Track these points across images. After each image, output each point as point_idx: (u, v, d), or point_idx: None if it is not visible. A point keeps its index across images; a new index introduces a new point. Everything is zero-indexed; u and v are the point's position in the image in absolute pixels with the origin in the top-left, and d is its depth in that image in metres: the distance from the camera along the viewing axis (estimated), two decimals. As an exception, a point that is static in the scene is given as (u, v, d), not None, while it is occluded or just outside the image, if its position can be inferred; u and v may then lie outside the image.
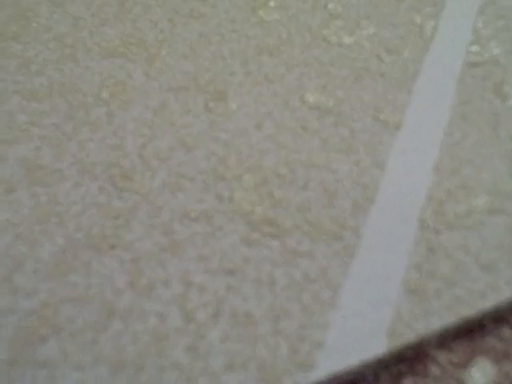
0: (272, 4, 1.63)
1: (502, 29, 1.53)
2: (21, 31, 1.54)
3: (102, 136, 1.27)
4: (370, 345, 0.95)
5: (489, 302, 0.99)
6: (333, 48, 1.48)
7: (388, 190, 1.17)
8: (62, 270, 1.04)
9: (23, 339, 0.96)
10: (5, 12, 1.61)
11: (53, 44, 1.50)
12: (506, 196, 1.16)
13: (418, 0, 1.63)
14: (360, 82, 1.40)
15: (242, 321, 0.98)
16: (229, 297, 1.01)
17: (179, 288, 1.02)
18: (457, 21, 1.56)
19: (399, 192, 1.16)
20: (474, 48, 1.47)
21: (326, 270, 1.04)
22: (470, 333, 1.02)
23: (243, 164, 1.21)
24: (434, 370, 0.97)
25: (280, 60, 1.45)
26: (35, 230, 1.10)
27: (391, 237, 1.09)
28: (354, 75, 1.41)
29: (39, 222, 1.11)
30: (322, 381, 0.90)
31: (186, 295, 1.01)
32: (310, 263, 1.05)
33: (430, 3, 1.62)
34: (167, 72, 1.42)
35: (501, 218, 1.12)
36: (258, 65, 1.44)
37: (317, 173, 1.19)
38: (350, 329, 0.97)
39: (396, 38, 1.51)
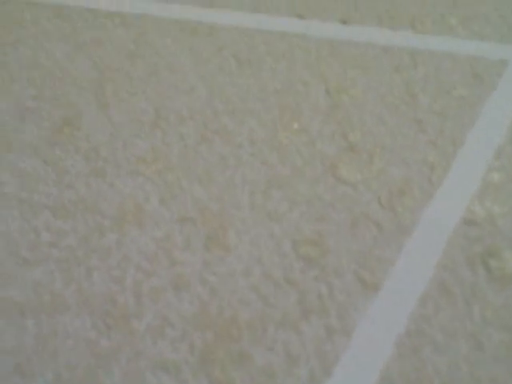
0: (296, 126, 1.71)
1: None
2: (65, 138, 1.72)
3: (108, 266, 1.43)
4: None
5: None
6: (339, 186, 1.56)
7: (348, 363, 1.25)
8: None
9: None
10: (56, 113, 1.80)
11: (89, 154, 1.67)
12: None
13: (438, 133, 1.66)
14: (354, 229, 1.47)
15: None
16: None
17: None
18: (470, 163, 1.59)
19: (357, 365, 1.24)
20: (476, 201, 1.50)
21: None
22: None
23: (222, 315, 1.33)
24: None
25: (286, 195, 1.55)
26: (33, 361, 1.29)
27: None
28: (351, 221, 1.49)
29: (37, 353, 1.30)
30: None
31: None
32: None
33: (449, 139, 1.65)
34: (180, 198, 1.56)
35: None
36: (264, 199, 1.55)
37: (285, 333, 1.30)
38: None
39: (403, 178, 1.56)
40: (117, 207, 1.54)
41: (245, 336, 1.29)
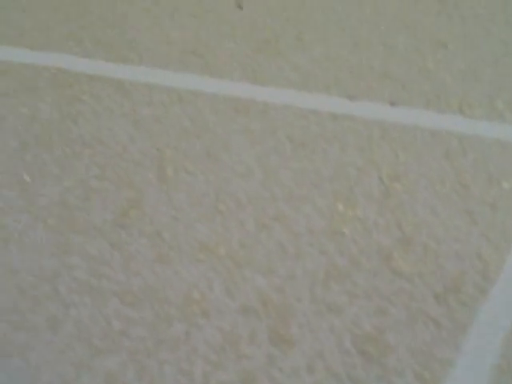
0: (351, 214, 1.78)
1: None
2: (129, 220, 1.80)
3: (176, 358, 1.50)
4: None
5: None
6: (395, 279, 1.62)
7: None
8: None
9: None
10: (120, 194, 1.88)
11: (153, 239, 1.75)
12: None
13: (490, 226, 1.72)
14: (412, 325, 1.53)
15: None
16: None
17: None
18: (522, 259, 1.65)
19: None
20: (531, 300, 1.56)
21: None
22: None
23: (288, 413, 1.40)
24: None
25: (344, 287, 1.62)
26: None
27: None
28: (409, 316, 1.55)
29: None
30: None
31: None
32: None
33: (501, 233, 1.71)
34: (243, 287, 1.63)
35: None
36: (323, 290, 1.61)
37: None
38: None
39: (457, 273, 1.62)
40: (183, 296, 1.61)
41: None
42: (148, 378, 1.46)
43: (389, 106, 2.12)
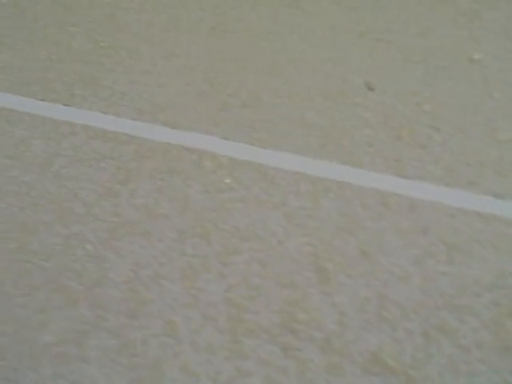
0: (517, 329, 1.81)
1: None
2: (295, 323, 1.85)
3: None
4: None
5: None
6: None
7: None
8: None
9: None
10: (281, 293, 1.93)
11: (323, 346, 1.80)
12: None
13: None
14: None
15: None
16: None
17: None
18: None
19: None
20: None
21: None
22: None
23: None
24: None
25: (522, 412, 1.64)
26: None
27: None
28: None
29: None
30: None
31: None
32: None
33: None
34: (420, 406, 1.66)
35: None
36: (502, 414, 1.64)
37: None
38: None
39: None
40: (362, 411, 1.65)
41: None
42: None
43: (538, 209, 2.14)
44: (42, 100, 2.69)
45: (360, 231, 2.12)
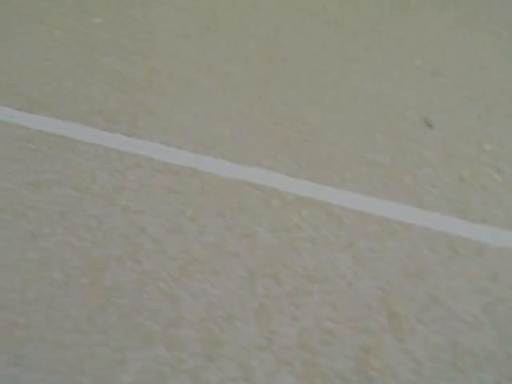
0: None
1: None
2: (371, 371, 1.87)
3: None
4: None
5: None
6: None
7: None
8: None
9: None
10: (355, 339, 1.95)
11: (399, 394, 1.82)
12: None
13: None
14: None
15: None
16: None
17: None
18: None
19: None
20: None
21: None
22: None
23: None
24: None
25: None
26: None
27: None
28: None
29: None
30: None
31: None
32: None
33: None
34: None
35: None
36: None
37: None
38: None
39: None
40: None
41: None
42: None
43: None
44: (105, 130, 2.74)
45: (429, 275, 2.14)
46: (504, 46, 3.21)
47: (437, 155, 2.60)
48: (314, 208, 2.38)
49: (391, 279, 2.13)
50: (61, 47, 3.22)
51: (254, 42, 3.29)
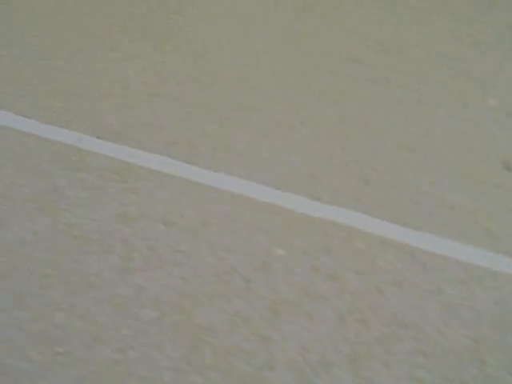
0: None
1: None
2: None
3: None
4: None
5: None
6: None
7: None
8: None
9: None
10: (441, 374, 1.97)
11: None
12: None
13: None
14: None
15: None
16: None
17: None
18: None
19: None
20: None
21: None
22: None
23: None
24: None
25: None
26: None
27: None
28: None
29: None
30: None
31: None
32: None
33: None
34: None
35: None
36: None
37: None
38: None
39: None
40: None
41: None
42: None
43: None
44: (186, 162, 2.79)
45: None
46: None
47: (518, 200, 2.61)
48: (399, 251, 2.41)
49: (481, 329, 2.15)
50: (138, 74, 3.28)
51: (327, 76, 3.33)
